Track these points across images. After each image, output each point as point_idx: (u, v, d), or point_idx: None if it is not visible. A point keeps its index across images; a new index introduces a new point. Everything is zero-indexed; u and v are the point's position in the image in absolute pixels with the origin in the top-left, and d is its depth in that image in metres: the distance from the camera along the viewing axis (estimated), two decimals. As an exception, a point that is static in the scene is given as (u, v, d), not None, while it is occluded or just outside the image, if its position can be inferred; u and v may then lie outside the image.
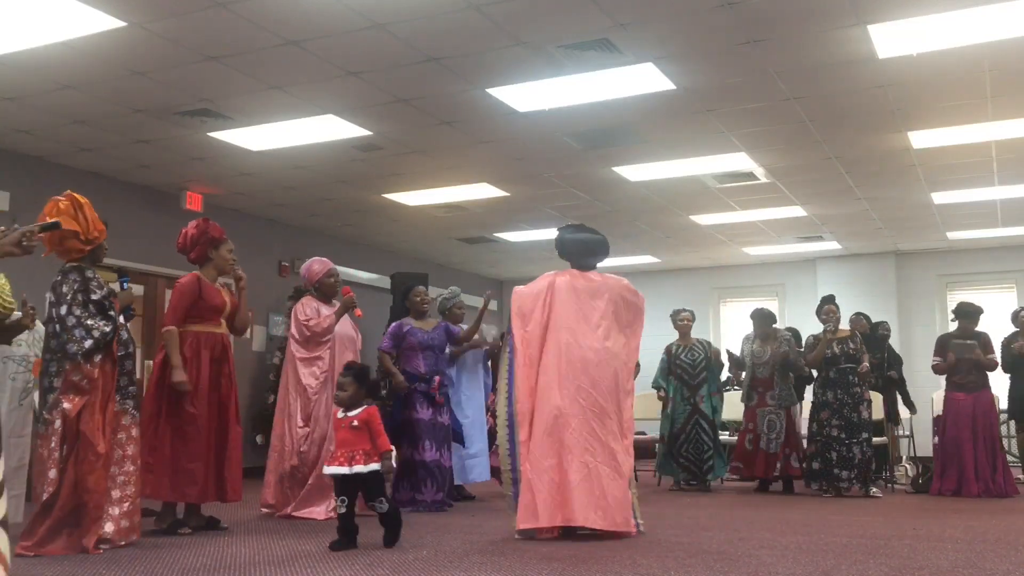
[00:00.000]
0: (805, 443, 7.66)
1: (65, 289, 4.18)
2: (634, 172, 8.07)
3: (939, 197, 8.93)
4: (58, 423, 4.06)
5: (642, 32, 5.11)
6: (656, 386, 8.04)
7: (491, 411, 6.79)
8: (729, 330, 12.53)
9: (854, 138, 7.10)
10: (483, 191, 8.75)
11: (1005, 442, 8.30)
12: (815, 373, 7.59)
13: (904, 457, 9.16)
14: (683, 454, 7.79)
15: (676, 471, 7.86)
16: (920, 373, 10.59)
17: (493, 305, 13.49)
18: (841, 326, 7.50)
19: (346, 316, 5.79)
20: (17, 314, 4.89)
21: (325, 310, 5.71)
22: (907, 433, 9.47)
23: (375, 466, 4.23)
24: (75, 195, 4.30)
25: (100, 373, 4.17)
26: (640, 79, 5.79)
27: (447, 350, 6.56)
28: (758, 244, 11.52)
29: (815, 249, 11.76)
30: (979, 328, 7.62)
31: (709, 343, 8.25)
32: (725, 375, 8.56)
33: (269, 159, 7.60)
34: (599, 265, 5.07)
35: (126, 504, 4.29)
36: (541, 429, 4.58)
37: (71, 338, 4.10)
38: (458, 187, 8.62)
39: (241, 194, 8.85)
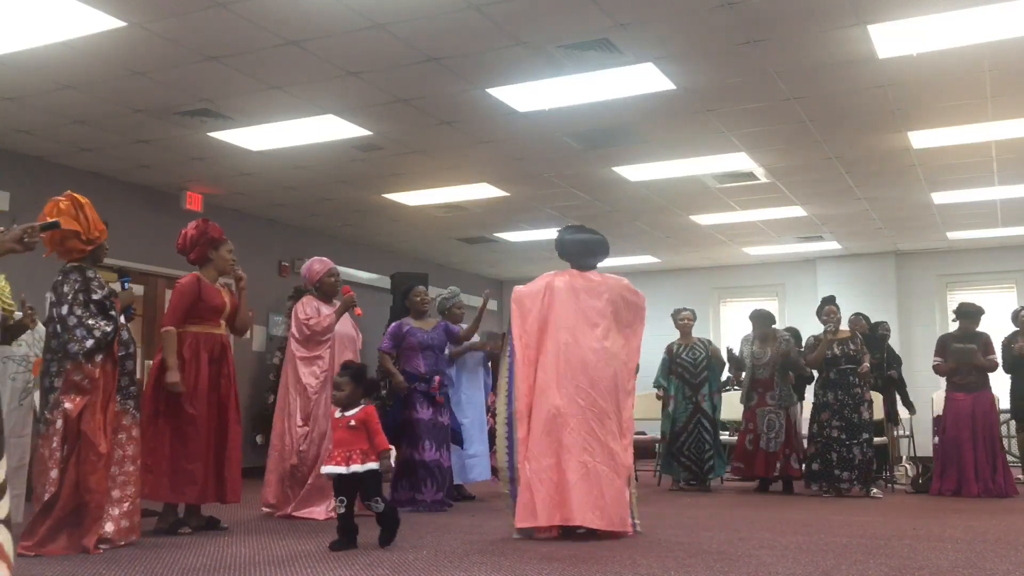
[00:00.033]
0: (805, 443, 7.66)
1: (66, 289, 4.18)
2: (634, 172, 8.07)
3: (939, 197, 8.93)
4: (59, 423, 4.06)
5: (642, 32, 5.11)
6: (657, 385, 8.05)
7: (491, 411, 6.80)
8: (729, 330, 12.52)
9: (854, 138, 7.10)
10: (483, 191, 8.75)
11: (1005, 442, 8.30)
12: (815, 374, 7.59)
13: (904, 457, 9.17)
14: (684, 453, 7.79)
15: (678, 471, 7.86)
16: (920, 373, 10.60)
17: (493, 305, 13.50)
18: (841, 327, 7.50)
19: (347, 316, 5.79)
20: (18, 314, 4.90)
21: (325, 309, 5.71)
22: (907, 433, 9.47)
23: (372, 465, 4.22)
24: (75, 195, 4.29)
25: (101, 373, 4.17)
26: (640, 79, 5.79)
27: (447, 350, 6.57)
28: (758, 244, 11.52)
29: (815, 249, 11.76)
30: (980, 328, 7.62)
31: (710, 342, 8.26)
32: (725, 375, 8.56)
33: (269, 159, 7.60)
34: (599, 265, 5.07)
35: (126, 504, 4.29)
36: (540, 429, 4.58)
37: (72, 338, 4.10)
38: (458, 187, 8.63)
39: (241, 194, 8.85)
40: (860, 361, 7.24)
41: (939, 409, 7.90)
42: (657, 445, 8.98)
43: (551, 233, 5.79)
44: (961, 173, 8.07)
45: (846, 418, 7.18)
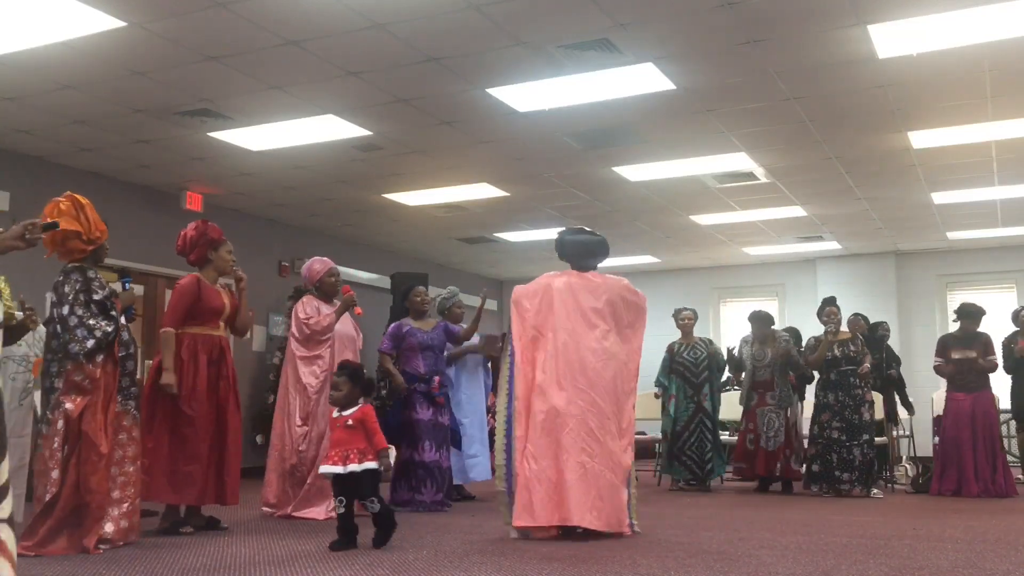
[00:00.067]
0: (806, 443, 7.66)
1: (67, 289, 4.18)
2: (634, 172, 8.07)
3: (939, 197, 8.93)
4: (60, 423, 4.07)
5: (642, 32, 5.11)
6: (658, 384, 8.06)
7: (492, 411, 6.80)
8: (729, 330, 12.52)
9: (854, 138, 7.10)
10: (483, 191, 8.75)
11: (1005, 442, 8.30)
12: (816, 374, 7.59)
13: (904, 457, 9.17)
14: (687, 453, 7.79)
15: (679, 470, 7.86)
16: (920, 373, 10.61)
17: (493, 305, 13.51)
18: (842, 328, 7.50)
19: (348, 316, 5.79)
20: (19, 314, 4.89)
21: (325, 309, 5.71)
22: (907, 433, 9.47)
23: (368, 465, 4.22)
24: (76, 196, 4.29)
25: (102, 373, 4.17)
26: (640, 79, 5.79)
27: (446, 350, 6.57)
28: (758, 244, 11.52)
29: (815, 249, 11.76)
30: (980, 329, 7.62)
31: (711, 341, 8.27)
32: (725, 375, 8.56)
33: (269, 159, 7.60)
34: (599, 266, 5.07)
35: (125, 505, 4.29)
36: (538, 429, 4.58)
37: (73, 338, 4.10)
38: (458, 187, 8.62)
39: (241, 194, 8.85)
40: (861, 362, 7.24)
41: (939, 409, 7.90)
42: (657, 445, 8.98)
43: (551, 233, 5.79)
44: (961, 173, 8.07)
45: (847, 419, 7.18)
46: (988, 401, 7.52)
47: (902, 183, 8.43)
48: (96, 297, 4.23)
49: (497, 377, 5.58)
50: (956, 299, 10.75)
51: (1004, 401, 7.98)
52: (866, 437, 7.15)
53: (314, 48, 5.31)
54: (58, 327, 4.14)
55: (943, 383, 7.81)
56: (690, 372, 7.91)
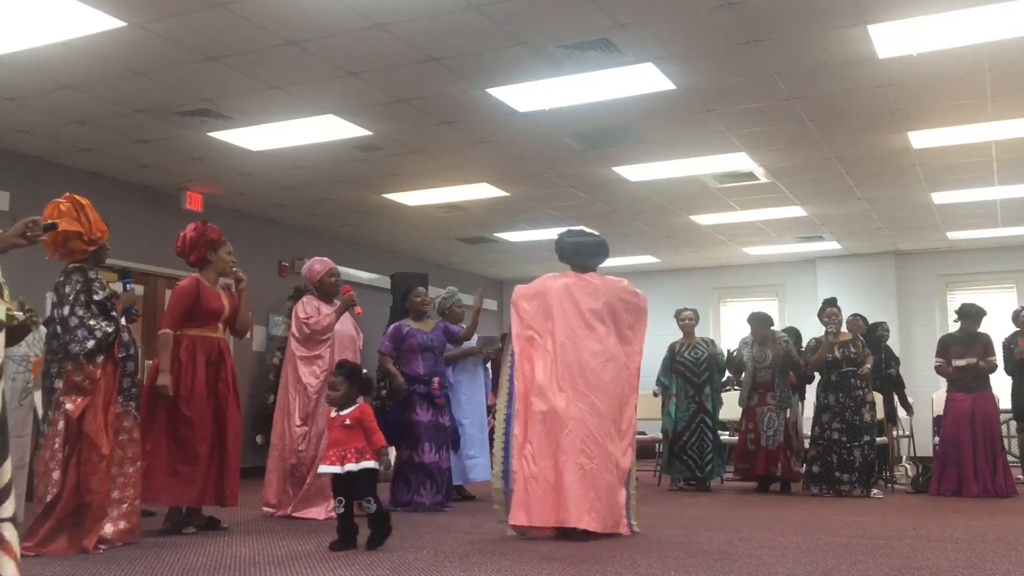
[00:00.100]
0: (807, 444, 7.66)
1: (68, 290, 4.18)
2: (634, 172, 8.07)
3: (939, 197, 8.93)
4: (61, 424, 4.07)
5: (642, 32, 5.11)
6: (658, 383, 8.06)
7: (492, 411, 6.79)
8: (729, 330, 12.53)
9: (854, 138, 7.10)
10: (483, 191, 8.75)
11: (1005, 442, 8.30)
12: (816, 375, 7.59)
13: (904, 457, 9.17)
14: (687, 452, 7.79)
15: (679, 470, 7.86)
16: (920, 373, 10.61)
17: (493, 305, 13.51)
18: (842, 329, 7.49)
19: (348, 316, 5.79)
20: (20, 315, 4.89)
21: (325, 309, 5.71)
22: (907, 433, 9.47)
23: (366, 464, 4.21)
24: (76, 197, 4.29)
25: (102, 374, 4.17)
26: (640, 79, 5.79)
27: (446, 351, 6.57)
28: (758, 244, 11.52)
29: (815, 249, 11.76)
30: (981, 329, 7.61)
31: (712, 341, 8.27)
32: (725, 376, 8.55)
33: (269, 159, 7.60)
34: (599, 267, 5.07)
35: (125, 505, 4.29)
36: (537, 430, 4.58)
37: (73, 338, 4.10)
38: (458, 187, 8.63)
39: (241, 194, 8.85)
40: (861, 363, 7.24)
41: (939, 409, 7.90)
42: (657, 445, 8.98)
43: (551, 233, 5.79)
44: (961, 173, 8.07)
45: (847, 420, 7.18)
46: (988, 401, 7.52)
47: (902, 183, 8.43)
48: (97, 298, 4.22)
49: (497, 377, 5.58)
50: (956, 299, 10.77)
51: (1004, 401, 7.98)
52: (867, 438, 7.15)
53: (314, 48, 5.31)
54: (58, 327, 4.14)
55: (943, 383, 7.81)
56: (691, 372, 7.91)
